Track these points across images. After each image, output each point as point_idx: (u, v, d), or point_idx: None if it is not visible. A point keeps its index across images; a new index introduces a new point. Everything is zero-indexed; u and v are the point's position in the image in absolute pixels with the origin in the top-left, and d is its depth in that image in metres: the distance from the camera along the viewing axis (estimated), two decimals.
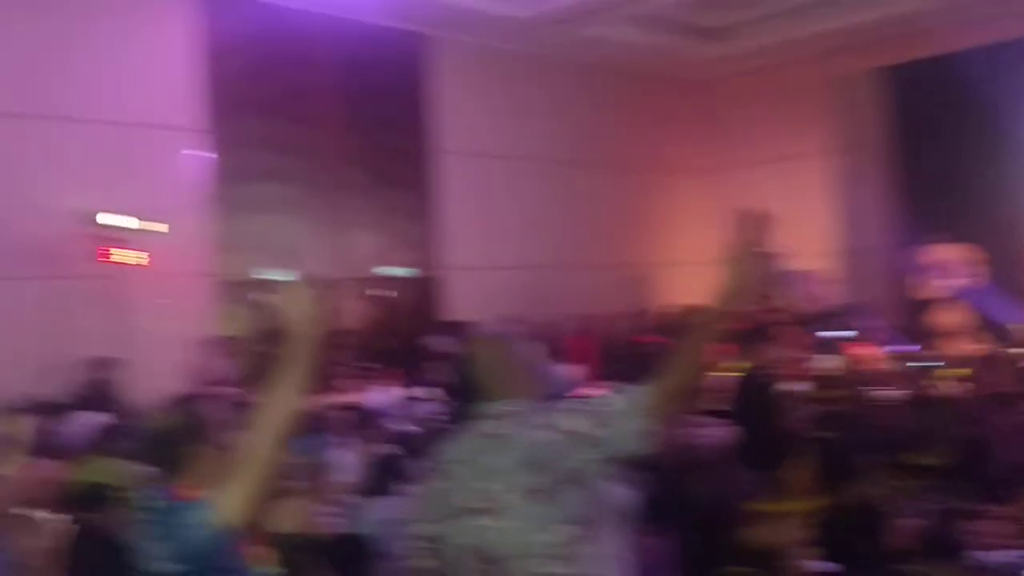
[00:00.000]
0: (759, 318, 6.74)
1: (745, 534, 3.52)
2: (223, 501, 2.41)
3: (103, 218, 9.30)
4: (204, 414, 2.71)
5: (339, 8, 11.43)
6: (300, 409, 2.48)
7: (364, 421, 6.69)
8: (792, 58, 13.94)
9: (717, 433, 5.18)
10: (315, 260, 11.10)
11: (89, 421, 6.92)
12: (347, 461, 5.88)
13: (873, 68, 14.16)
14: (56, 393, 8.60)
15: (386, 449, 5.97)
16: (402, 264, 12.59)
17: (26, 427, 4.41)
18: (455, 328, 11.16)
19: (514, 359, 2.68)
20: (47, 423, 6.93)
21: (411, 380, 9.74)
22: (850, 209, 14.26)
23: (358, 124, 12.17)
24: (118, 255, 9.44)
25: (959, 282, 12.02)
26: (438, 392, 8.53)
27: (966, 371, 8.37)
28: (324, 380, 7.81)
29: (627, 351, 12.59)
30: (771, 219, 2.40)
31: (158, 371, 9.04)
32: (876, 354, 9.70)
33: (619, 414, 2.41)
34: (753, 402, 5.58)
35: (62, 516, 4.39)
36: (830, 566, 3.73)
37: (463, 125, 12.95)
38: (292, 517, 4.12)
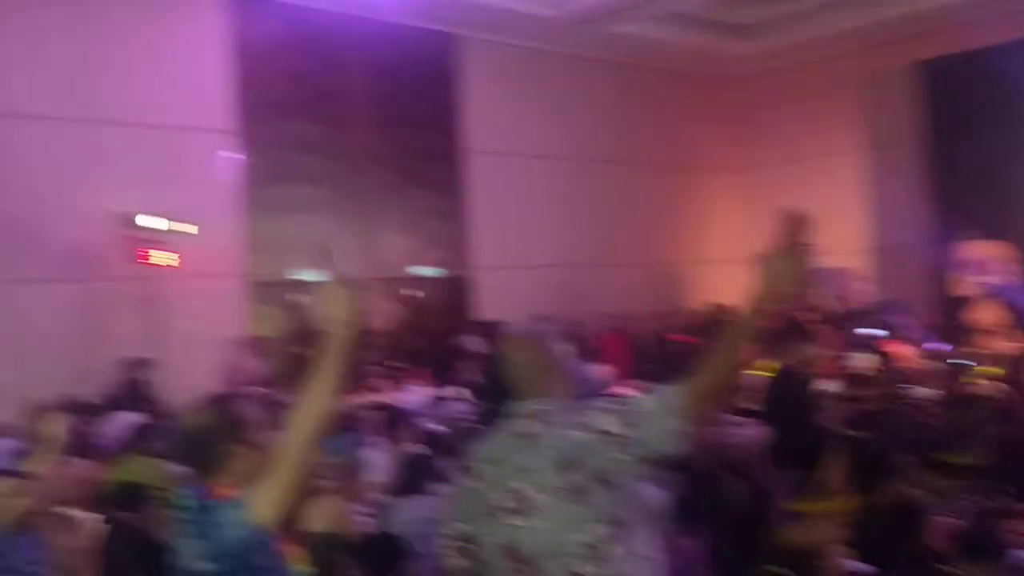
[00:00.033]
0: (792, 316, 6.69)
1: (779, 534, 3.50)
2: (257, 500, 2.43)
3: (141, 220, 9.40)
4: (238, 414, 2.72)
5: (368, 9, 11.48)
6: (333, 409, 2.49)
7: (395, 421, 6.71)
8: (825, 54, 13.83)
9: (749, 432, 5.15)
10: (346, 260, 11.16)
11: (125, 421, 7.00)
12: (378, 461, 5.91)
13: (907, 63, 14.00)
14: (93, 393, 8.72)
15: (417, 449, 5.99)
16: (432, 264, 12.62)
17: (63, 427, 4.46)
18: (486, 327, 11.19)
19: (546, 358, 2.68)
20: (84, 423, 7.02)
21: (442, 380, 9.76)
22: (883, 206, 14.12)
23: (388, 125, 12.21)
24: (155, 257, 9.53)
25: (993, 279, 11.86)
26: (469, 392, 8.54)
27: (1001, 369, 8.26)
28: (356, 380, 7.85)
29: (658, 350, 12.56)
30: (811, 219, 2.38)
31: (192, 371, 9.14)
32: (910, 352, 9.60)
33: (651, 414, 2.40)
34: (786, 401, 5.53)
35: (98, 515, 4.44)
36: (865, 567, 3.69)
37: (492, 125, 12.96)
38: (324, 516, 4.14)
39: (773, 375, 5.72)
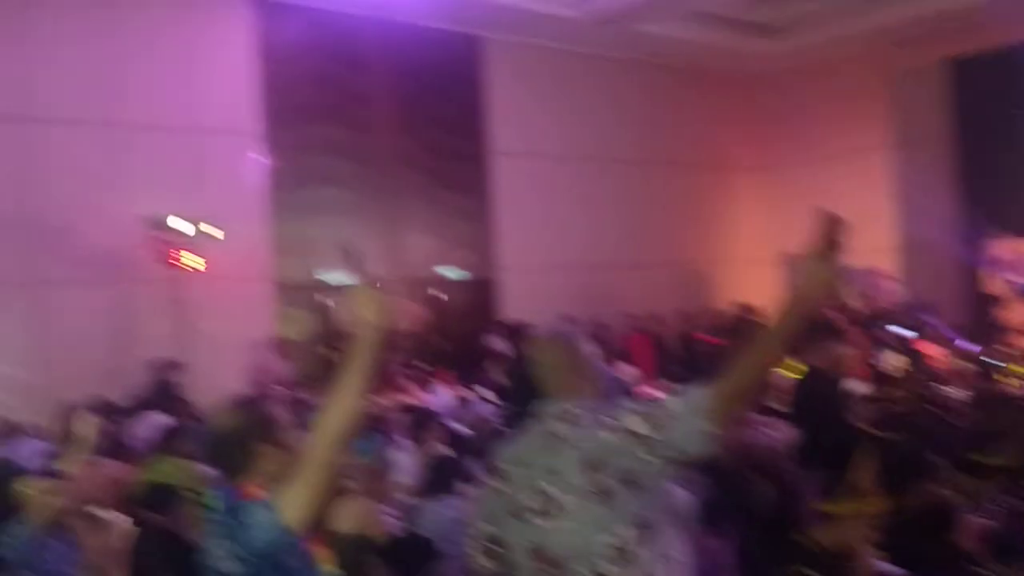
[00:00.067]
0: (821, 316, 6.64)
1: (808, 536, 3.48)
2: (285, 501, 2.44)
3: (172, 222, 9.48)
4: (267, 415, 2.74)
5: (392, 12, 11.51)
6: (361, 410, 2.50)
7: (421, 422, 6.72)
8: (852, 52, 13.72)
9: (777, 433, 5.11)
10: (372, 262, 11.18)
11: (154, 422, 7.06)
12: (405, 462, 5.92)
13: (935, 61, 13.88)
14: (122, 395, 8.79)
15: (443, 450, 6.00)
16: (458, 265, 12.63)
17: (94, 428, 4.50)
18: (512, 329, 11.20)
19: (573, 359, 2.68)
20: (114, 425, 7.08)
21: (467, 381, 9.78)
22: (912, 205, 13.98)
23: (413, 127, 12.25)
24: (184, 259, 9.61)
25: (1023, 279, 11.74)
26: (495, 393, 8.55)
27: None
28: (382, 381, 7.88)
29: (684, 350, 12.52)
30: (846, 222, 2.37)
31: (221, 373, 9.20)
32: (941, 352, 9.51)
33: (678, 415, 2.39)
34: (815, 402, 5.49)
35: (128, 516, 4.47)
36: (895, 568, 3.66)
37: (518, 126, 12.96)
38: (351, 517, 4.15)
39: (801, 375, 5.68)
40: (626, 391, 7.18)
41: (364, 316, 2.47)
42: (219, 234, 9.74)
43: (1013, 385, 7.95)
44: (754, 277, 14.69)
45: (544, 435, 2.57)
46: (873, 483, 3.63)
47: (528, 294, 12.49)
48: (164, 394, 8.92)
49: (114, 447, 6.29)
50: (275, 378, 9.48)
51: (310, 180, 11.27)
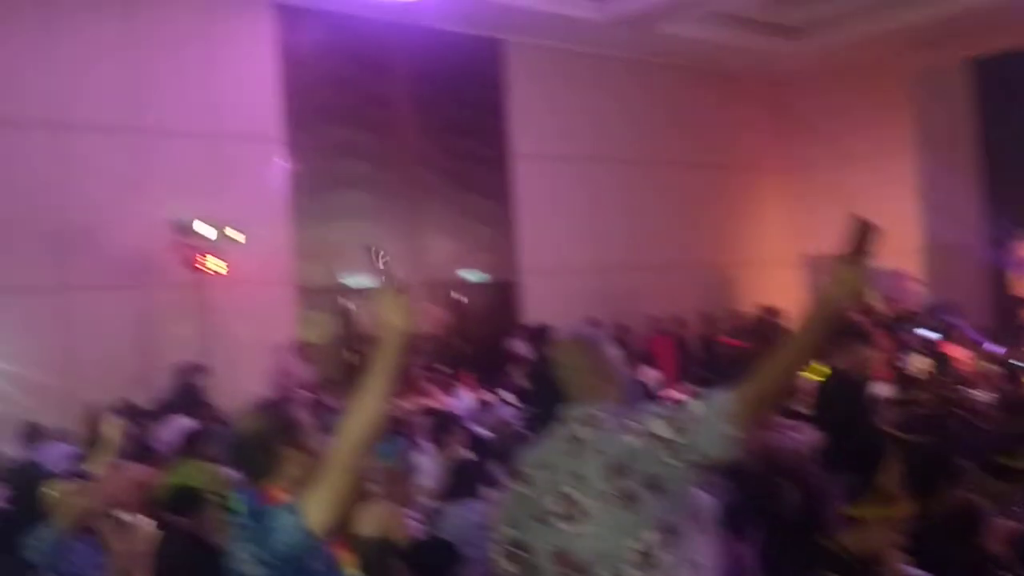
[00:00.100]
0: (847, 319, 6.60)
1: (834, 540, 3.45)
2: (309, 505, 2.44)
3: (197, 227, 9.54)
4: (291, 418, 2.74)
5: (413, 16, 11.55)
6: (385, 414, 2.50)
7: (443, 426, 6.72)
8: (876, 53, 13.64)
9: (802, 436, 5.08)
10: (399, 265, 11.21)
11: (179, 426, 7.09)
12: (427, 465, 5.92)
13: (959, 61, 13.77)
14: (147, 399, 8.85)
15: (466, 453, 6.00)
16: (479, 268, 12.64)
17: (120, 431, 4.53)
18: (534, 332, 11.19)
19: (596, 362, 2.66)
20: (139, 427, 7.13)
21: (489, 384, 9.78)
22: (937, 205, 13.88)
23: (434, 130, 12.27)
24: (208, 263, 9.67)
25: None
26: (517, 396, 8.54)
27: None
28: (405, 385, 7.89)
29: (707, 353, 12.47)
30: (878, 228, 2.35)
31: (244, 376, 9.25)
32: (966, 354, 9.42)
33: (703, 419, 2.38)
34: (840, 404, 5.45)
35: (153, 519, 4.50)
36: (923, 573, 3.63)
37: (538, 128, 12.96)
38: (374, 521, 4.15)
39: (826, 378, 5.64)
40: (649, 394, 7.16)
41: (389, 320, 2.46)
42: (242, 238, 9.80)
43: None
44: (777, 279, 14.62)
45: (567, 439, 2.56)
46: (899, 487, 3.60)
47: (549, 297, 12.48)
48: (188, 397, 8.97)
49: (139, 450, 6.33)
50: (297, 381, 9.52)
51: (332, 184, 11.32)
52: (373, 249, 2.52)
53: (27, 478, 5.58)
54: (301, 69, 11.09)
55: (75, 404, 7.45)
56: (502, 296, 12.79)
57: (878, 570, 3.37)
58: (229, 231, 9.71)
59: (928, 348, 9.50)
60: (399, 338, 2.46)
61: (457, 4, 11.35)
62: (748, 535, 4.02)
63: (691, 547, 2.47)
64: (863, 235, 2.35)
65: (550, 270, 12.77)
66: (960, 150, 13.97)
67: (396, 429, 6.13)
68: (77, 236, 9.46)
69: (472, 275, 12.62)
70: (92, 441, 5.01)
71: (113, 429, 4.57)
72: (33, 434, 7.74)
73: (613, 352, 2.72)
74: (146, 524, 4.39)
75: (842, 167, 14.40)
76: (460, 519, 4.76)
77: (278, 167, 10.83)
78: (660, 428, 2.42)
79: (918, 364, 8.87)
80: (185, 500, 4.53)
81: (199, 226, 9.58)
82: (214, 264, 9.72)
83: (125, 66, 9.95)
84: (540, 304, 12.49)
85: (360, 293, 10.51)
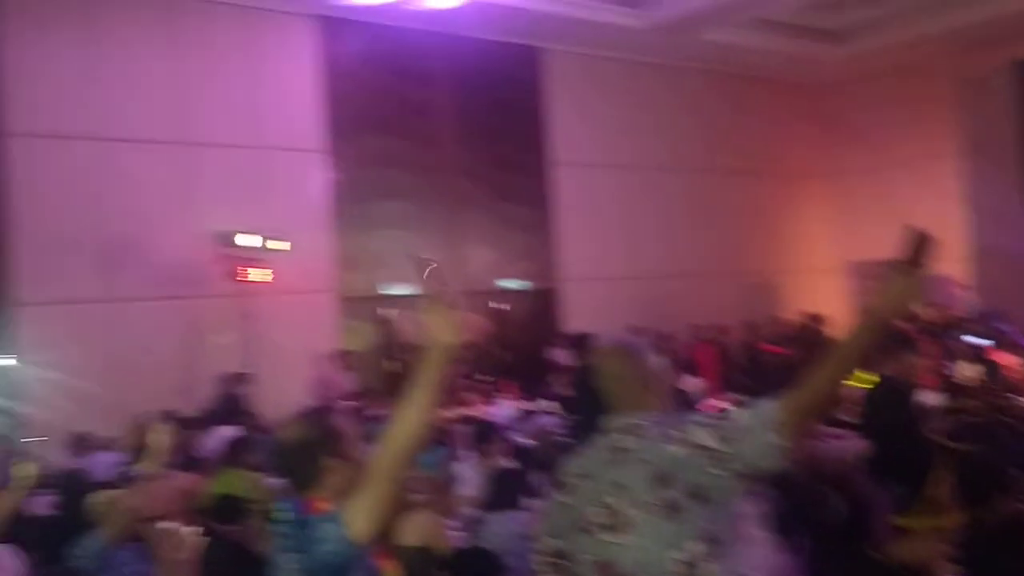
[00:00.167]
0: (894, 326, 6.50)
1: (883, 551, 3.39)
2: (352, 514, 2.44)
3: (240, 239, 9.64)
4: (334, 427, 2.74)
5: (452, 25, 11.60)
6: (430, 424, 2.49)
7: (485, 435, 6.71)
8: (919, 57, 13.47)
9: (848, 445, 5.00)
10: (442, 277, 11.25)
11: (223, 435, 7.15)
12: (469, 475, 5.91)
13: (1003, 65, 13.55)
14: (192, 408, 8.94)
15: (508, 463, 5.98)
16: (520, 276, 12.64)
17: (167, 439, 4.58)
18: (575, 340, 11.15)
19: (640, 371, 2.64)
20: (184, 437, 7.20)
21: (531, 393, 9.76)
22: (982, 211, 13.64)
23: (475, 139, 12.31)
24: (252, 273, 9.76)
25: None
26: (560, 405, 8.51)
27: None
28: (447, 394, 7.89)
29: (750, 361, 12.35)
30: (935, 239, 2.32)
31: (287, 385, 9.32)
32: (1016, 361, 9.25)
33: (748, 429, 2.35)
34: (887, 413, 5.37)
35: (197, 527, 4.53)
36: None
37: (578, 136, 12.95)
38: (417, 530, 4.15)
39: (873, 386, 5.56)
40: (694, 403, 7.10)
41: (436, 331, 2.45)
42: (285, 248, 9.88)
43: None
44: (821, 286, 14.46)
45: (610, 448, 2.54)
46: (949, 496, 3.53)
47: (590, 305, 12.45)
48: (232, 407, 9.06)
49: (184, 459, 6.39)
50: (339, 390, 9.57)
51: (373, 193, 11.39)
52: (421, 260, 2.51)
53: (74, 487, 5.67)
54: (342, 80, 11.18)
55: (121, 413, 7.54)
56: (542, 304, 12.78)
57: None
58: (272, 242, 9.80)
59: (977, 355, 9.34)
60: (446, 351, 2.45)
61: (496, 13, 11.38)
62: (795, 545, 3.97)
63: (735, 558, 2.43)
64: (919, 245, 2.32)
65: (591, 278, 12.73)
66: (1006, 154, 13.73)
67: (438, 439, 6.13)
68: (123, 248, 9.60)
69: (513, 283, 12.62)
70: (139, 450, 5.06)
71: (160, 438, 4.62)
72: (80, 443, 7.85)
73: (655, 361, 2.70)
74: (191, 532, 4.43)
75: (886, 172, 14.22)
76: (502, 528, 4.75)
77: (320, 177, 10.91)
78: (704, 438, 2.39)
79: (966, 372, 8.72)
80: (229, 509, 4.56)
81: (242, 238, 9.68)
82: (257, 274, 9.81)
83: (170, 80, 10.10)
84: (580, 312, 12.46)
85: (401, 302, 10.54)
